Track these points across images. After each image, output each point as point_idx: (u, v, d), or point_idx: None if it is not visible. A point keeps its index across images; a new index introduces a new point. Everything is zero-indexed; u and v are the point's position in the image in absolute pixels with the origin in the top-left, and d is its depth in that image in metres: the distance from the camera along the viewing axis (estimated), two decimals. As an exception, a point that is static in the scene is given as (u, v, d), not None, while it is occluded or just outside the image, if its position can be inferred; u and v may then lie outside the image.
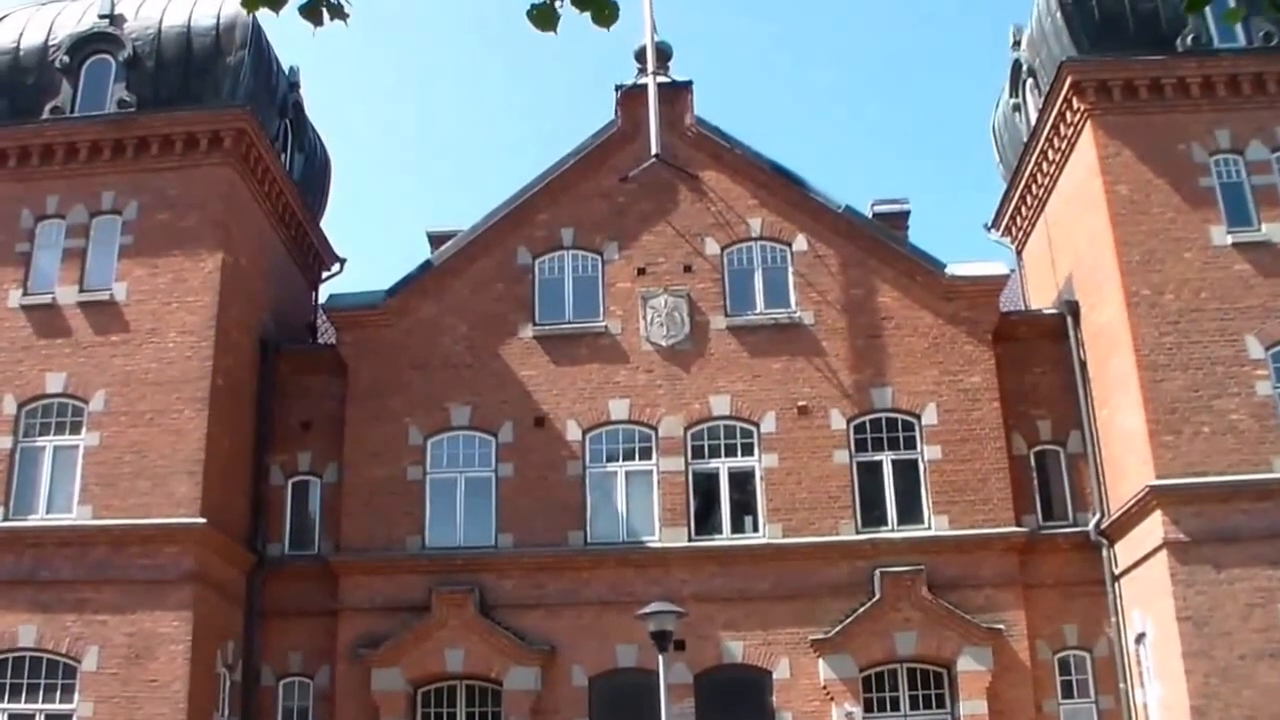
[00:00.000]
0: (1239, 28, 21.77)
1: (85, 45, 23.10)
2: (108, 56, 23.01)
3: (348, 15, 6.24)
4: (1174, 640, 18.67)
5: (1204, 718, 18.11)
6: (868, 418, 22.07)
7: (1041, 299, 24.86)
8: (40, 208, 22.37)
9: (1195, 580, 18.87)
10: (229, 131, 22.14)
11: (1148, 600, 19.73)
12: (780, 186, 23.39)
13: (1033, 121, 23.90)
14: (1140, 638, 20.15)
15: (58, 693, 19.53)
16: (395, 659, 20.79)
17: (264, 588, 21.97)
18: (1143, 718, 20.05)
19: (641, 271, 23.06)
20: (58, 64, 22.96)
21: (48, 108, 22.69)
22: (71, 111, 22.72)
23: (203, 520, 20.17)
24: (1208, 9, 20.75)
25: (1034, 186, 24.61)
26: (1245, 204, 21.11)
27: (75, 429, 21.04)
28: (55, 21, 23.60)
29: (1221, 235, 20.82)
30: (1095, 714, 20.66)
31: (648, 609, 17.20)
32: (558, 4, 6.18)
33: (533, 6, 6.19)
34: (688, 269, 22.99)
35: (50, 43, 23.28)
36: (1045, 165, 23.71)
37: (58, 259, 22.13)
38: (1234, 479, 19.33)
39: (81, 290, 21.82)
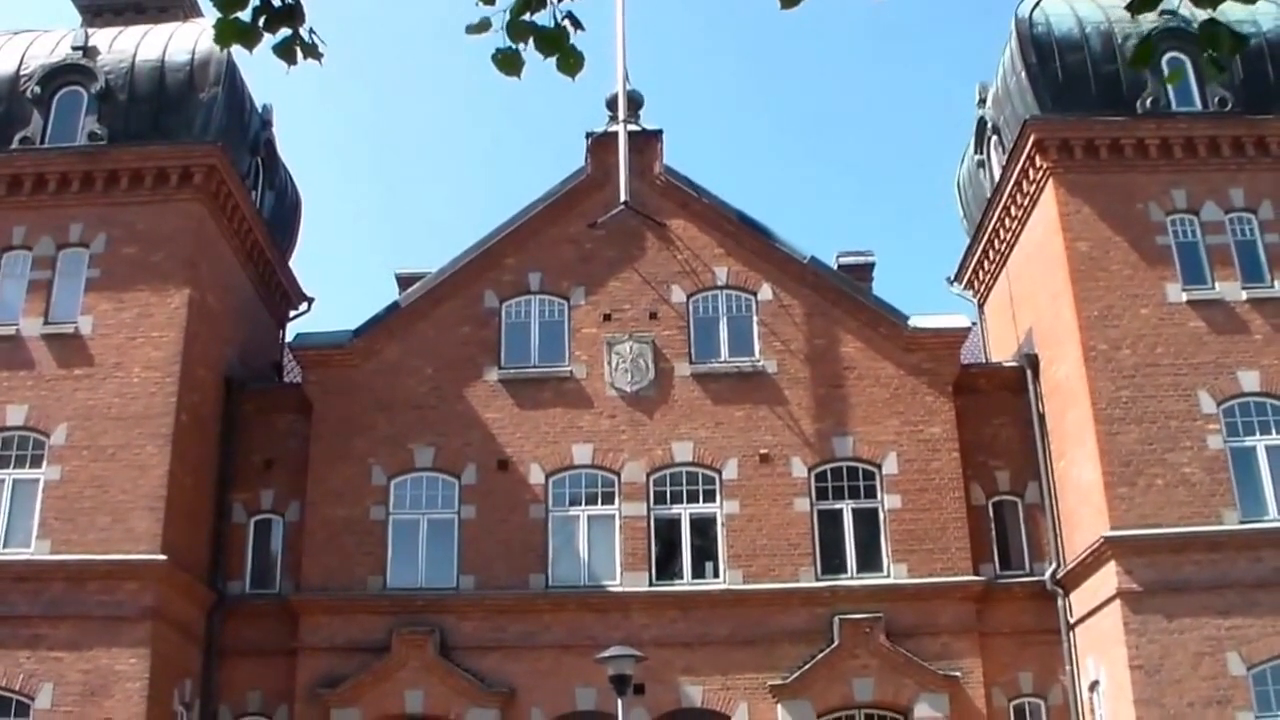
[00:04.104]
0: (1195, 92, 22.46)
1: (57, 76, 23.04)
2: (80, 88, 22.96)
3: (322, 55, 6.32)
4: (1126, 688, 18.96)
5: (1155, 764, 18.41)
6: (829, 466, 22.29)
7: (1002, 352, 25.31)
8: (6, 238, 22.23)
9: (1147, 629, 19.18)
10: (200, 167, 22.15)
11: (1101, 648, 20.02)
12: (747, 236, 23.69)
13: (996, 178, 24.43)
14: (1094, 685, 20.42)
15: (9, 731, 19.28)
16: (354, 699, 20.68)
17: (223, 626, 21.79)
18: (1096, 765, 20.32)
19: (607, 317, 23.23)
20: (28, 94, 22.89)
21: (17, 138, 22.59)
22: (41, 142, 22.64)
23: (163, 557, 20.00)
24: (1164, 64, 21.50)
25: (996, 241, 25.10)
26: (1200, 263, 21.66)
27: (36, 462, 20.82)
28: (27, 51, 23.54)
29: (1177, 293, 21.32)
30: (1049, 760, 20.90)
31: (607, 652, 17.34)
32: (523, 49, 6.28)
33: (498, 51, 6.28)
34: (653, 316, 23.20)
35: (21, 72, 23.20)
36: (1008, 221, 24.19)
37: (23, 290, 21.96)
38: (1185, 531, 19.72)
39: (46, 322, 21.66)
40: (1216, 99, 22.25)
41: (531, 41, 6.25)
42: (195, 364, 21.83)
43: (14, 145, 22.56)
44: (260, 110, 25.75)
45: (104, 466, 20.59)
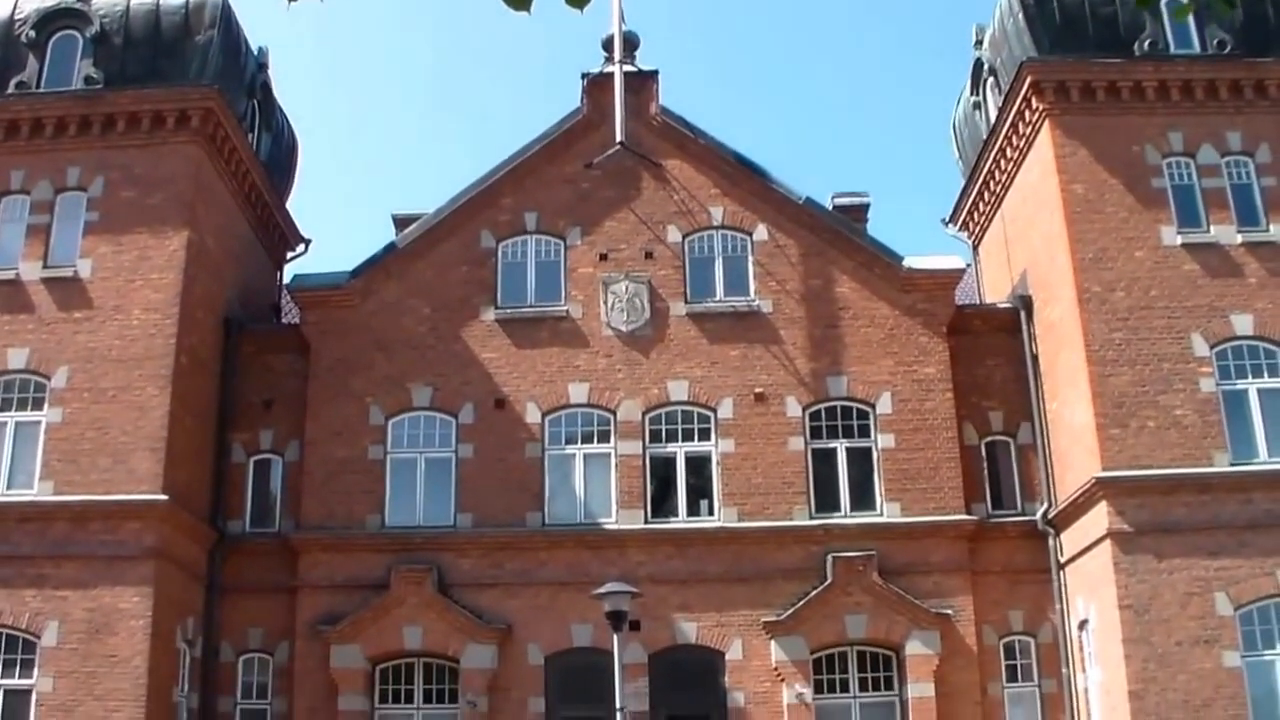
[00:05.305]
0: (1194, 34, 22.32)
1: (52, 20, 22.99)
2: (75, 32, 22.92)
3: None
4: (1115, 627, 19.22)
5: (1141, 702, 18.68)
6: (823, 405, 22.48)
7: (996, 293, 25.34)
8: (4, 183, 22.28)
9: (1137, 569, 19.39)
10: (196, 110, 22.15)
11: (1091, 588, 20.26)
12: (742, 176, 23.71)
13: (992, 119, 24.34)
14: (1083, 624, 20.69)
15: (17, 668, 19.60)
16: (354, 636, 21.04)
17: (224, 564, 22.10)
18: (1083, 702, 20.61)
19: (603, 257, 23.34)
20: (24, 39, 22.87)
21: (13, 83, 22.60)
22: (37, 87, 22.65)
23: (164, 497, 20.28)
24: (1163, 6, 21.32)
25: (992, 183, 25.06)
26: (1195, 206, 21.63)
27: (37, 405, 21.05)
28: (22, -4, 23.48)
29: (1172, 235, 21.33)
30: (1038, 698, 21.20)
31: (603, 589, 17.47)
32: None
33: None
34: (649, 255, 23.30)
35: (16, 17, 23.15)
36: (1003, 162, 24.15)
37: (22, 234, 22.05)
38: (1176, 472, 19.90)
39: (45, 266, 21.78)
40: (1215, 41, 22.12)
41: None
42: (194, 306, 21.97)
43: (10, 90, 22.59)
44: (256, 53, 25.68)
45: (105, 408, 20.81)
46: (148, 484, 20.38)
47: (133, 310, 21.39)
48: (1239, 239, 21.32)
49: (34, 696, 19.37)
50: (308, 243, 27.55)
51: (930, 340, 22.66)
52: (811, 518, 21.76)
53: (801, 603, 20.93)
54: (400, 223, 25.50)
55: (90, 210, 22.03)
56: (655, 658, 21.06)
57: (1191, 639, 19.03)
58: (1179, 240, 21.30)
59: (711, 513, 21.98)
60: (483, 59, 60.17)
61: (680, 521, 21.97)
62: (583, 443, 22.51)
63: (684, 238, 23.44)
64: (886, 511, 21.80)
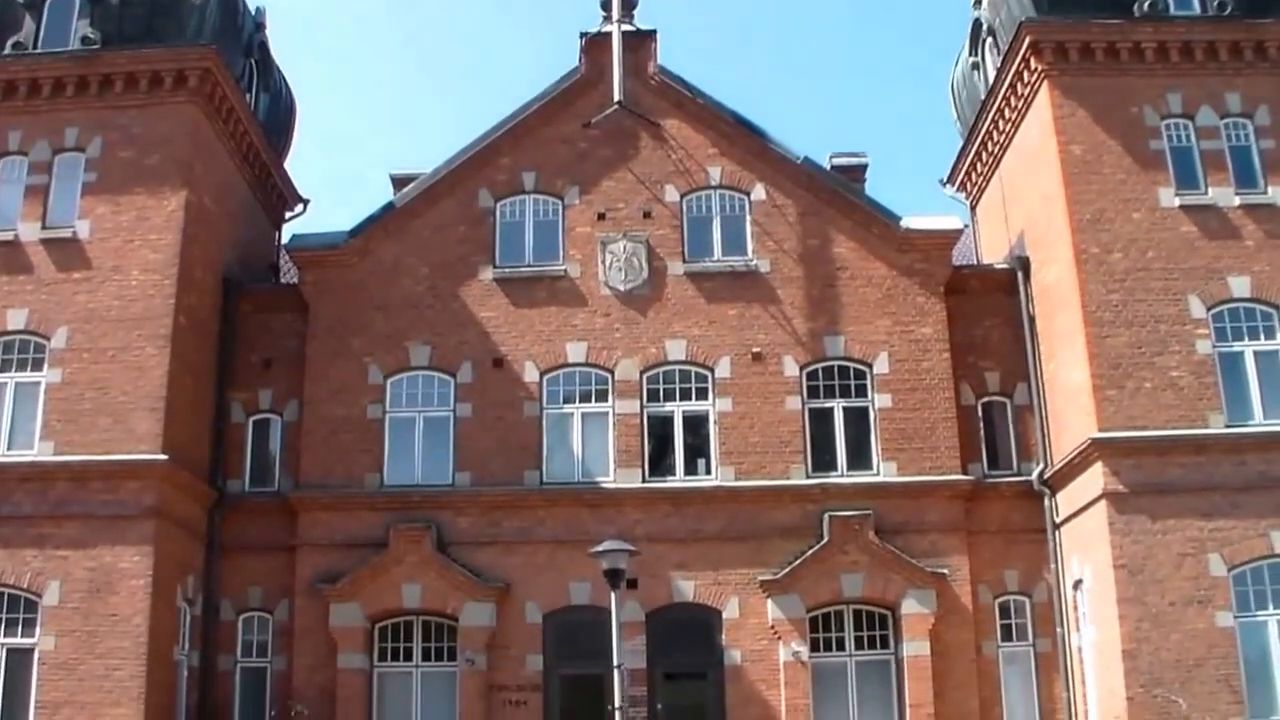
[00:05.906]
0: (1194, -5, 22.26)
1: (48, -20, 22.87)
2: (72, -9, 22.83)
3: None
4: (1109, 587, 19.35)
5: (1135, 661, 18.84)
6: (820, 365, 22.55)
7: (993, 254, 25.33)
8: (2, 144, 22.22)
9: (1132, 530, 19.51)
10: (194, 70, 22.07)
11: (1086, 548, 20.39)
12: (740, 136, 23.68)
13: (990, 80, 24.26)
14: (1078, 584, 20.83)
15: (19, 627, 19.75)
16: (353, 594, 21.18)
17: (224, 523, 22.21)
18: (1077, 661, 20.79)
19: (601, 216, 23.35)
20: (20, -2, 22.82)
21: (10, 43, 22.48)
22: (34, 47, 22.53)
23: (164, 457, 20.36)
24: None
25: (990, 143, 25.00)
26: (1193, 168, 21.58)
27: (37, 365, 21.09)
28: (18, -44, 23.32)
29: (1170, 197, 21.30)
30: (1032, 656, 21.38)
31: (601, 547, 17.54)
32: None
33: None
34: (647, 215, 23.31)
35: (12, -23, 23.05)
36: (1001, 123, 24.08)
37: (20, 195, 22.00)
38: (1172, 433, 19.98)
39: (44, 227, 21.75)
40: (1215, 2, 22.00)
41: None
42: (193, 266, 21.98)
43: (6, 50, 22.46)
44: (254, 12, 25.60)
45: (104, 368, 20.86)
46: (147, 444, 20.46)
47: (131, 270, 21.40)
48: (1237, 201, 21.30)
49: (36, 655, 19.53)
50: (306, 203, 27.60)
51: (927, 300, 22.70)
52: (808, 477, 21.87)
53: (798, 561, 21.07)
54: (398, 182, 25.49)
55: (88, 171, 21.98)
56: (652, 616, 21.23)
57: (1185, 599, 19.17)
58: (1177, 202, 21.28)
59: (709, 472, 22.08)
60: (481, 19, 59.88)
61: (678, 480, 22.09)
62: (580, 402, 22.59)
63: (682, 197, 23.44)
64: (883, 471, 21.90)
